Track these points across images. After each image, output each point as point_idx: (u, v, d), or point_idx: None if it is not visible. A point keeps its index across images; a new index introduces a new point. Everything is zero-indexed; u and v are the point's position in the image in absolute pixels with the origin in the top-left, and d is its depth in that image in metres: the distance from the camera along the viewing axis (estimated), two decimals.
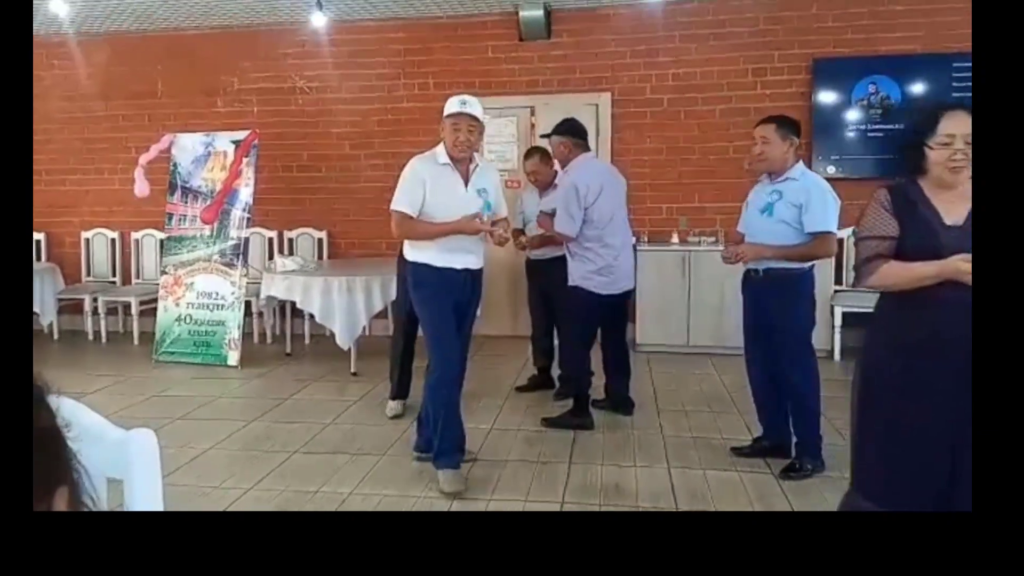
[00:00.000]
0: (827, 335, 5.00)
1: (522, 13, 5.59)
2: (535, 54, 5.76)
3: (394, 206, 2.96)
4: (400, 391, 4.01)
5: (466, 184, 2.98)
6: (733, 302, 5.05)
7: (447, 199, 2.94)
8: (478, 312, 3.21)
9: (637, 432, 3.69)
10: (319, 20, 5.20)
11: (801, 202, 2.98)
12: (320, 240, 6.12)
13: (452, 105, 2.95)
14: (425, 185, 2.93)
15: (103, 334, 5.99)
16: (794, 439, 3.15)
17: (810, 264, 3.10)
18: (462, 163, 2.98)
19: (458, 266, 2.98)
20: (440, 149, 2.99)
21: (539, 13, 5.57)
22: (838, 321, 5.04)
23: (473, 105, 2.94)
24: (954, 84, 5.24)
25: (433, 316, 3.00)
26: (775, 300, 3.06)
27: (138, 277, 6.34)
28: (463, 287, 3.02)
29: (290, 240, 6.14)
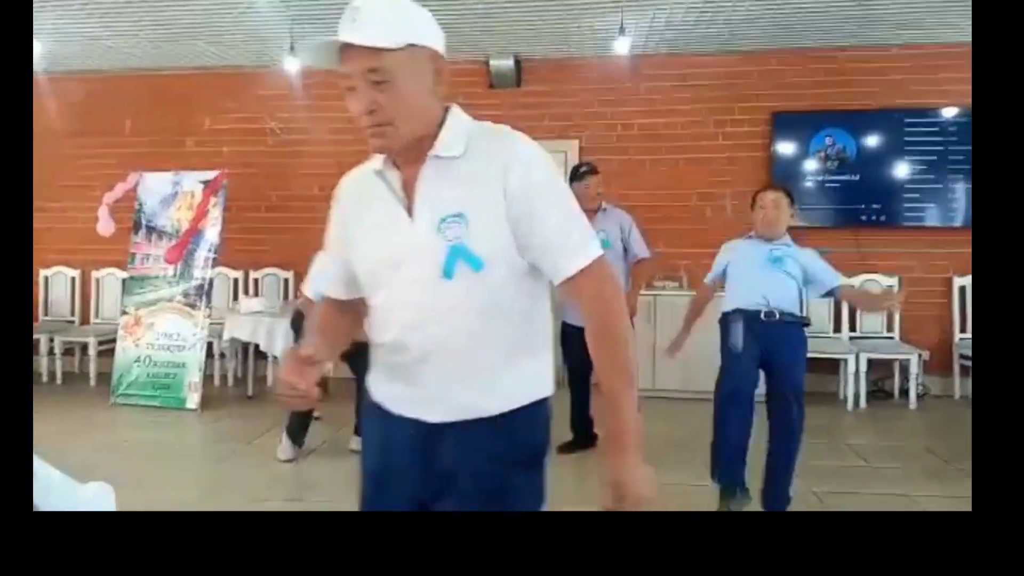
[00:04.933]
0: None
1: (492, 62, 5.73)
2: (504, 101, 5.87)
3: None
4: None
5: (409, 211, 1.27)
6: (700, 345, 5.14)
7: (376, 239, 1.32)
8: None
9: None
10: (292, 64, 5.25)
11: (803, 265, 3.16)
12: (286, 280, 6.08)
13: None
14: (343, 219, 1.40)
15: (58, 375, 5.83)
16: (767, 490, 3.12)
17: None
18: (408, 165, 1.28)
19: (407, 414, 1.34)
20: None
21: (509, 62, 5.71)
22: None
23: (366, 20, 1.18)
24: (906, 139, 5.48)
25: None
26: (788, 345, 3.11)
27: (97, 317, 6.21)
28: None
29: (255, 280, 6.09)
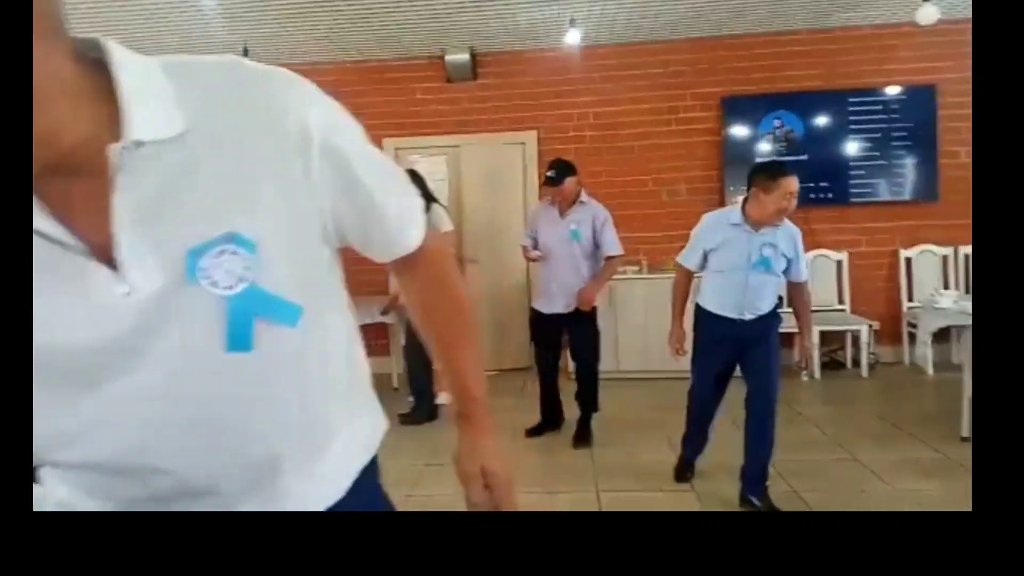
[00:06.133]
0: None
1: (448, 57, 5.80)
2: (462, 95, 5.95)
3: None
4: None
5: (102, 256, 0.67)
6: (660, 327, 5.30)
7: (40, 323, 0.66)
8: None
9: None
10: None
11: (791, 255, 3.02)
12: None
13: None
14: None
15: None
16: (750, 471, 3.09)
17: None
18: (59, 176, 0.64)
19: None
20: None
21: (465, 56, 5.78)
22: None
23: None
24: (851, 118, 5.69)
25: None
26: (765, 340, 3.04)
27: None
28: None
29: None
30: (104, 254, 0.66)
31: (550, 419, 4.24)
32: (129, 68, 0.67)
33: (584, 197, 4.07)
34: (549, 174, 4.03)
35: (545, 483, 3.47)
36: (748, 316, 3.04)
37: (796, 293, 3.14)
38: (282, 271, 0.72)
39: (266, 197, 0.71)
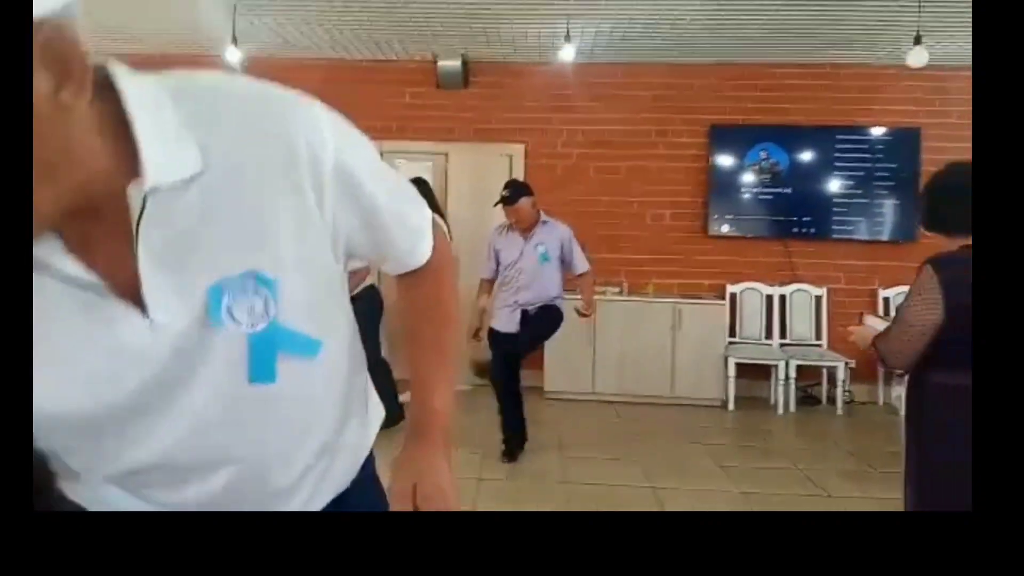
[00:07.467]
0: (721, 385, 5.26)
1: (440, 62, 5.73)
2: (451, 102, 5.88)
3: None
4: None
5: (133, 298, 0.68)
6: (638, 351, 5.26)
7: (64, 368, 0.68)
8: None
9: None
10: (233, 55, 5.13)
11: None
12: None
13: None
14: None
15: None
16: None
17: None
18: (81, 220, 0.65)
19: None
20: None
21: (457, 63, 5.72)
22: (732, 372, 5.29)
23: None
24: (836, 155, 5.72)
25: None
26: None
27: None
28: None
29: None
30: (128, 294, 0.68)
31: (516, 435, 4.12)
32: (142, 103, 0.65)
33: (544, 216, 4.16)
34: (504, 193, 4.07)
35: (540, 502, 3.38)
36: None
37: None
38: (299, 304, 0.75)
39: (282, 231, 0.72)
